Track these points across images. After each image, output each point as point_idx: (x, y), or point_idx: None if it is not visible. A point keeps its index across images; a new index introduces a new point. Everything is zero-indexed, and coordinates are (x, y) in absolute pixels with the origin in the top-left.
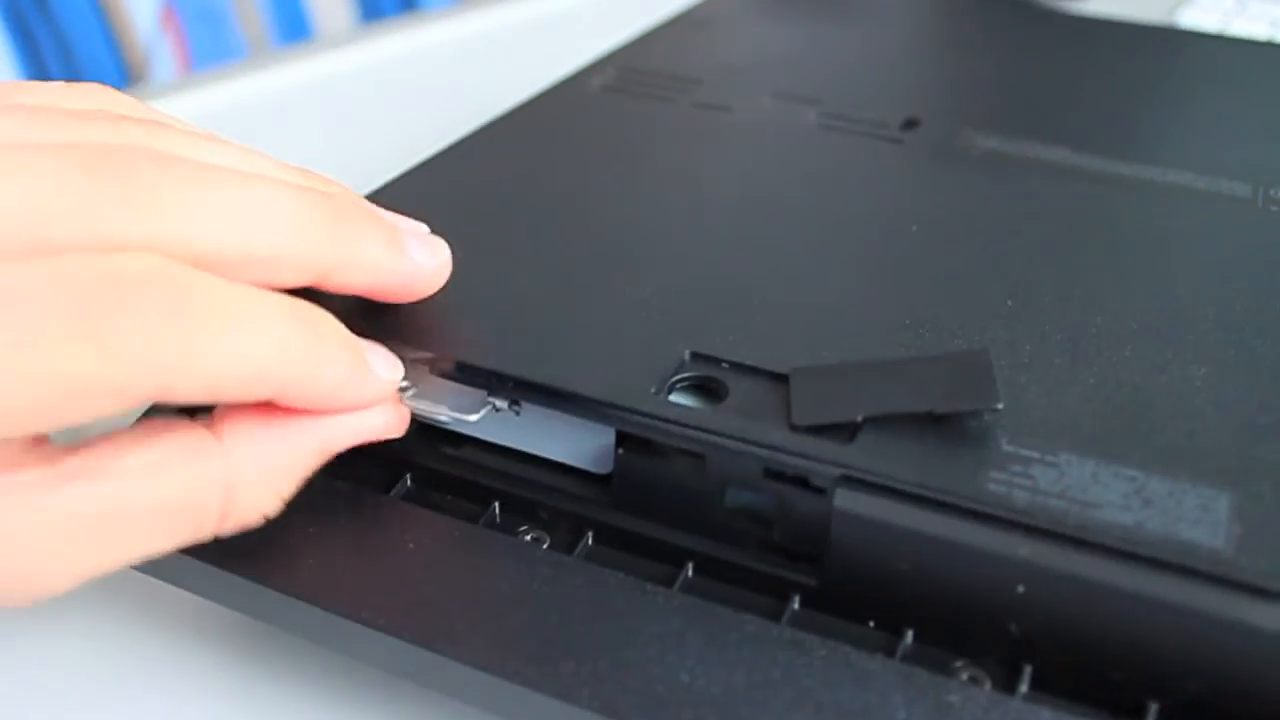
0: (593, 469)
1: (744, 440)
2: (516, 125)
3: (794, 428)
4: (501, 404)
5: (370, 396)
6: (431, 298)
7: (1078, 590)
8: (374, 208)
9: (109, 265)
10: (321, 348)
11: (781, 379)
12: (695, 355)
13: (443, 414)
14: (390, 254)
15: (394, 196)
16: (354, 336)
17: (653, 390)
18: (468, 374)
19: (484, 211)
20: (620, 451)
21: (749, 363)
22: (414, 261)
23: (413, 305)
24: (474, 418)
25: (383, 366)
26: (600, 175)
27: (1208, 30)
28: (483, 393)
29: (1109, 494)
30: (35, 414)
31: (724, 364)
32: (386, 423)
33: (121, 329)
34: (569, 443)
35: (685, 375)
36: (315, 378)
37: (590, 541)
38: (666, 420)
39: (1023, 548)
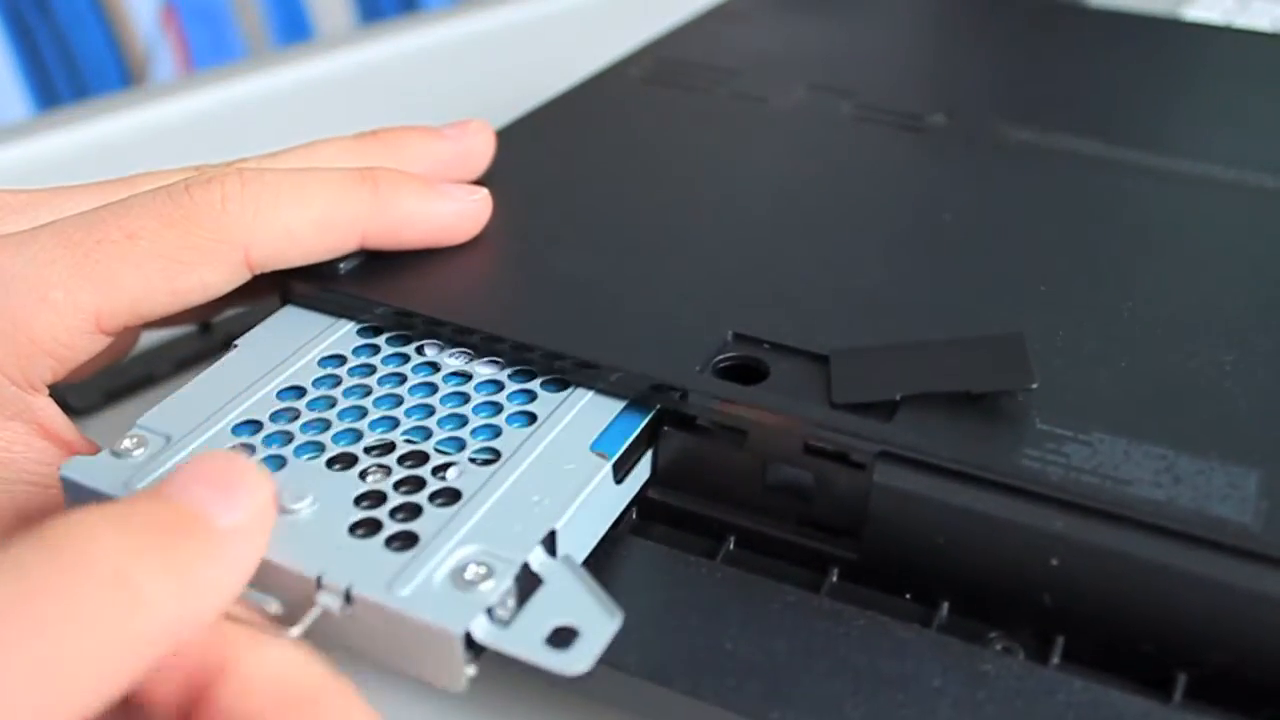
0: (445, 686)
1: (786, 416)
2: (557, 114)
3: (834, 406)
4: (333, 602)
5: None
6: (484, 281)
7: (1110, 563)
8: (411, 174)
9: None
10: None
11: (821, 360)
12: (738, 336)
13: (268, 616)
14: (424, 201)
15: None
16: None
17: (697, 369)
18: (522, 352)
19: (528, 198)
20: (665, 428)
21: (790, 344)
22: (450, 202)
23: (466, 286)
24: (296, 631)
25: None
26: (640, 163)
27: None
28: (313, 585)
29: (1140, 471)
30: None
31: (765, 345)
32: None
33: None
34: (413, 656)
35: (728, 355)
36: None
37: (634, 516)
38: (711, 396)
39: (1057, 521)
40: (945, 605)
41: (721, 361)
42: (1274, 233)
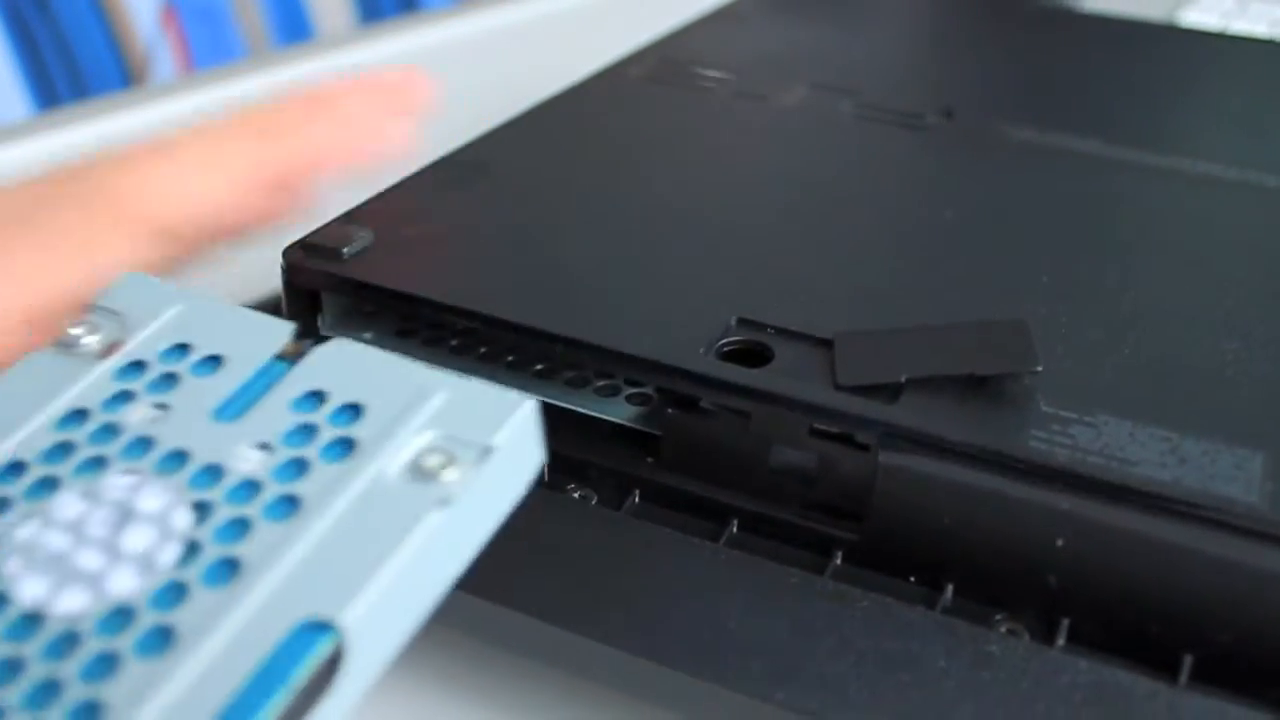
0: None
1: (790, 399)
2: (559, 109)
3: (839, 388)
4: None
5: None
6: (489, 269)
7: (1116, 543)
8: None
9: None
10: None
11: (826, 344)
12: (742, 321)
13: None
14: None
15: (453, 165)
16: None
17: (701, 352)
18: (526, 336)
19: (532, 191)
20: (669, 411)
21: (794, 328)
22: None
23: (471, 272)
24: None
25: None
26: (642, 158)
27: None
28: None
29: (1146, 452)
30: None
31: (770, 329)
32: None
33: None
34: None
35: (732, 339)
36: None
37: (637, 499)
38: (715, 379)
39: (1063, 501)
40: (950, 587)
41: (726, 345)
42: (1273, 228)
